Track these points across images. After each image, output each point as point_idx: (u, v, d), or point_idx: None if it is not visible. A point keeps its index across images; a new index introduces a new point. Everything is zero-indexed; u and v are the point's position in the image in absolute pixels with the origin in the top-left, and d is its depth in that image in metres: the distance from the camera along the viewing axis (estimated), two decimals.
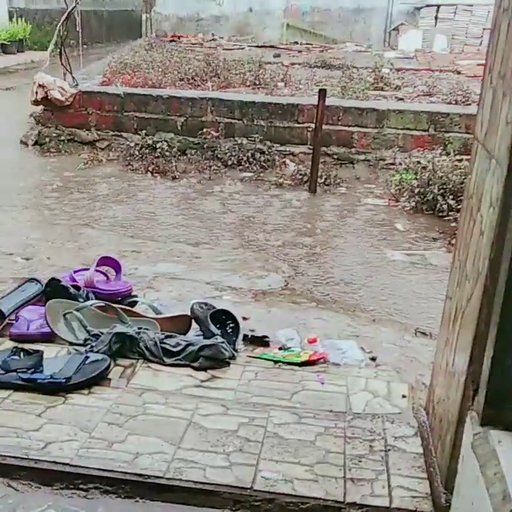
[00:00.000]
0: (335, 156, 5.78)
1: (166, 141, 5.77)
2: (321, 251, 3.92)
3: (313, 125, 5.39)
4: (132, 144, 5.77)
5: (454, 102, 6.21)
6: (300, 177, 5.42)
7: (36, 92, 5.64)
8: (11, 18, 12.68)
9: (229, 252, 3.81)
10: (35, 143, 5.97)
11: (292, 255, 3.80)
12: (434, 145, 5.50)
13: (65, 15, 5.86)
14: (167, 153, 5.68)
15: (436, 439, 1.85)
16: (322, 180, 5.32)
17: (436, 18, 12.40)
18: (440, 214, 4.57)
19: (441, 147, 5.44)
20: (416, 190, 4.73)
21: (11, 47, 11.39)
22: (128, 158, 5.70)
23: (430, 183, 4.68)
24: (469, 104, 6.01)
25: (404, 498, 1.73)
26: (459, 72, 8.66)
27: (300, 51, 11.81)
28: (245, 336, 2.64)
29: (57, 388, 2.14)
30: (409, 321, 2.99)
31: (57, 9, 15.92)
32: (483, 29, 11.81)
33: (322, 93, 5.18)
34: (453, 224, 4.11)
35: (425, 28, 12.32)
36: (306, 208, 4.86)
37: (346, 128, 5.82)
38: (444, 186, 4.62)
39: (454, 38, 12.20)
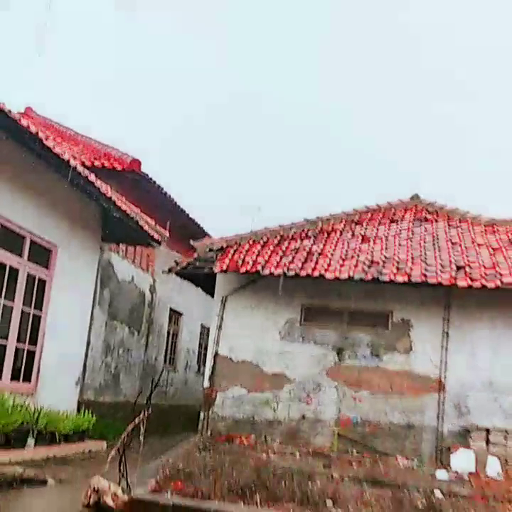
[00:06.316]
0: None
1: None
2: None
3: None
4: None
5: None
6: None
7: (90, 496, 5.72)
8: (79, 409, 13.57)
9: None
10: None
11: None
12: None
13: (130, 427, 6.30)
14: None
15: None
16: None
17: (487, 441, 12.57)
18: None
19: None
20: None
21: (72, 437, 11.92)
22: None
23: None
24: None
25: None
26: None
27: (351, 463, 11.86)
28: None
29: None
30: None
31: (123, 401, 17.09)
32: None
33: None
34: None
35: (477, 449, 12.39)
36: None
37: None
38: None
39: (508, 463, 12.14)
